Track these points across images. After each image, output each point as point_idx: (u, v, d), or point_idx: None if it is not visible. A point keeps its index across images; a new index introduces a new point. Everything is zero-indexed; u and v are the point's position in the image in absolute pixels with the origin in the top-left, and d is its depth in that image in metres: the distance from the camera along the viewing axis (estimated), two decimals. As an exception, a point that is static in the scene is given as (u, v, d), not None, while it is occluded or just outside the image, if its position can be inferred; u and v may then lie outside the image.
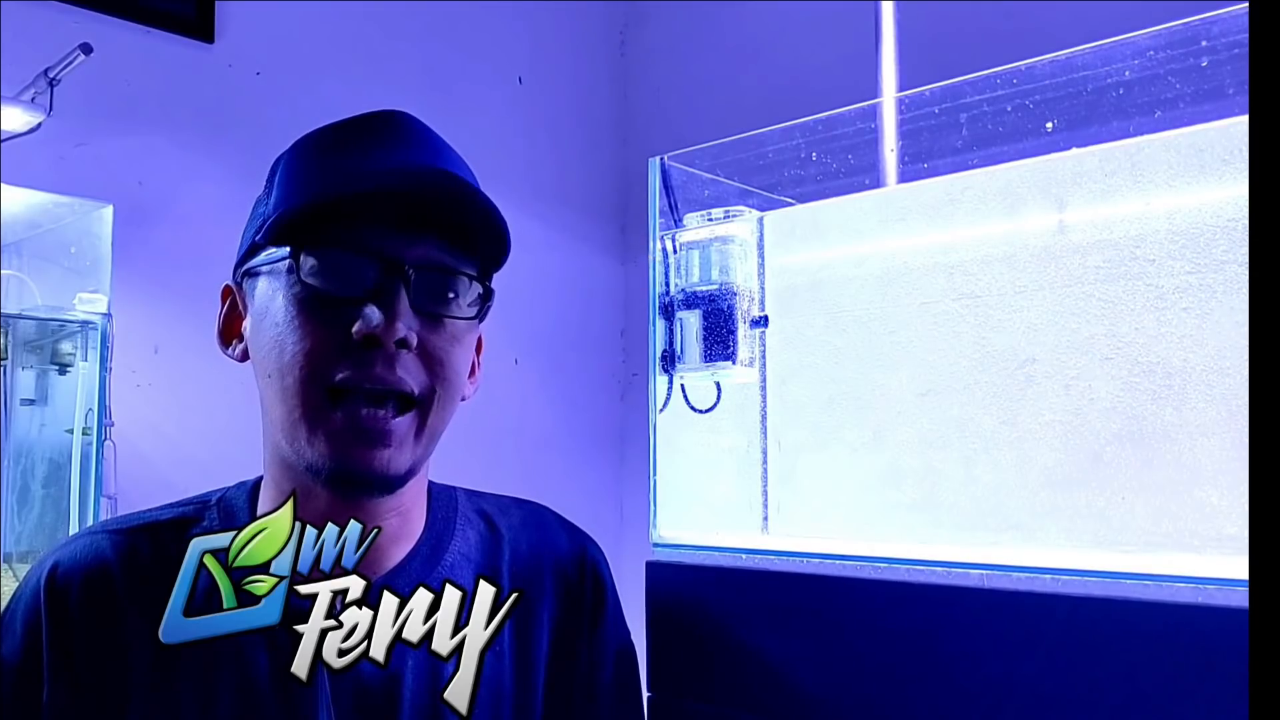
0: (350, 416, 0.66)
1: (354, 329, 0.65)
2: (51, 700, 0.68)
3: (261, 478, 0.76)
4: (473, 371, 0.78)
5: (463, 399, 0.75)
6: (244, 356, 0.73)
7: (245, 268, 0.72)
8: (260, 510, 0.74)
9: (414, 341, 0.67)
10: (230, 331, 0.74)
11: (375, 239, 0.67)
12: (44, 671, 0.68)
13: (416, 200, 0.68)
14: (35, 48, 1.55)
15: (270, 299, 0.69)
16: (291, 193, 0.68)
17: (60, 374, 1.56)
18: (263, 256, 0.70)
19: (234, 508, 0.75)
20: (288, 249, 0.67)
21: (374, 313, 0.65)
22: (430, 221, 0.69)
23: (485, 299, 0.73)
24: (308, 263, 0.67)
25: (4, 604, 0.73)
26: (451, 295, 0.70)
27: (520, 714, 0.76)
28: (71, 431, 1.50)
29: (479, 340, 0.79)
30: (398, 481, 0.69)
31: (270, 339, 0.68)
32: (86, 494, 1.47)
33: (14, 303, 1.48)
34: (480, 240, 0.71)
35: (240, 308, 0.73)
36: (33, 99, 1.46)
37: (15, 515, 1.52)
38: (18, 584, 0.72)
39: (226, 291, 0.75)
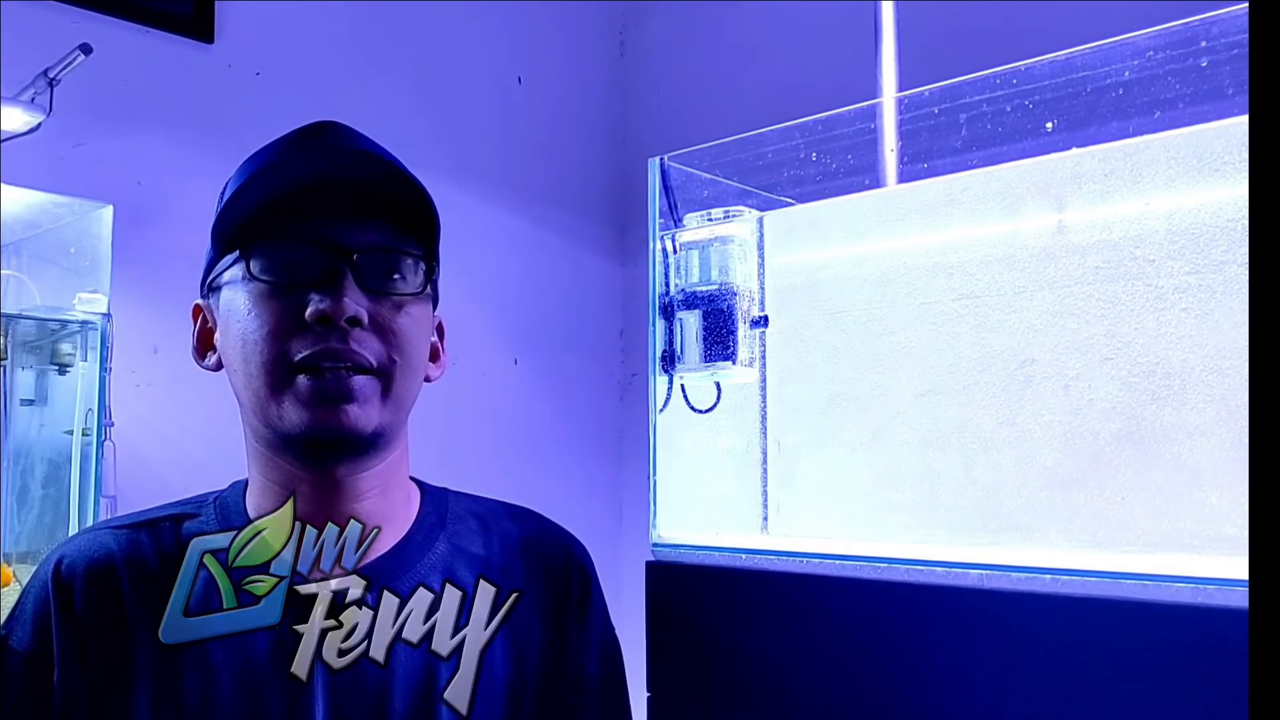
0: (314, 383, 0.70)
1: (307, 312, 0.70)
2: (62, 685, 0.71)
3: None
4: (436, 355, 0.82)
5: (428, 380, 0.79)
6: (218, 366, 0.77)
7: (209, 283, 0.77)
8: (250, 507, 0.77)
9: (364, 318, 0.71)
10: (204, 346, 0.79)
11: (318, 229, 0.72)
12: (54, 658, 0.71)
13: (350, 186, 0.73)
14: (35, 48, 1.55)
15: (232, 303, 0.73)
16: (234, 201, 0.72)
17: (60, 374, 1.56)
18: (220, 268, 0.75)
19: (229, 506, 0.78)
20: (237, 254, 0.72)
21: (323, 296, 0.70)
22: (367, 206, 0.73)
23: (429, 275, 0.77)
24: (257, 262, 0.72)
25: (4, 605, 0.75)
26: (397, 275, 0.74)
27: (512, 706, 0.77)
28: (71, 432, 1.50)
29: (440, 326, 0.83)
30: (368, 440, 0.72)
31: (235, 335, 0.73)
32: (86, 494, 1.47)
33: (14, 303, 1.48)
34: (416, 217, 0.75)
35: (210, 322, 0.77)
36: (32, 99, 1.46)
37: (15, 515, 1.52)
38: (26, 581, 0.75)
39: (196, 310, 0.79)
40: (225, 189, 0.77)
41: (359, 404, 0.71)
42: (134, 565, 0.74)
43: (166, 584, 0.73)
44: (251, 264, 0.71)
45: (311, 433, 0.70)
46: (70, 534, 1.45)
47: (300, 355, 0.70)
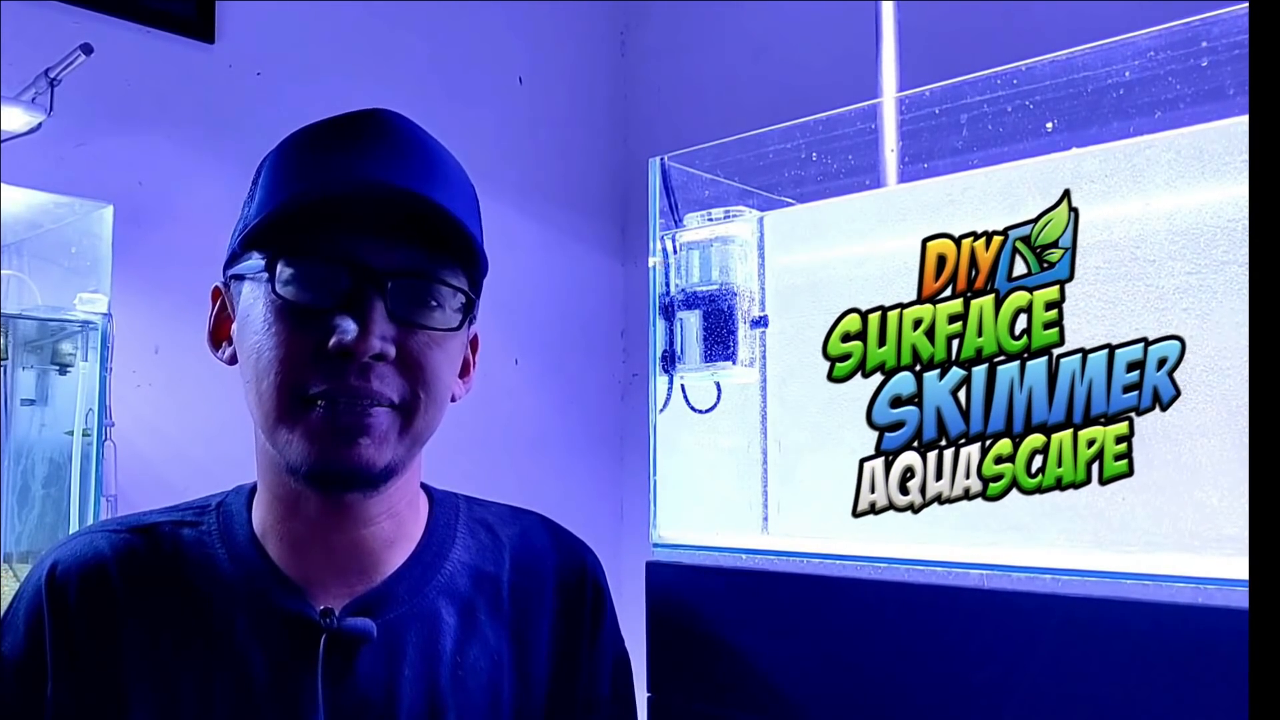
0: (328, 414, 0.66)
1: (329, 342, 0.64)
2: (55, 695, 0.68)
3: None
4: (467, 371, 0.77)
5: (453, 399, 0.74)
6: (233, 360, 0.72)
7: (231, 271, 0.72)
8: (255, 520, 0.74)
9: (391, 354, 0.66)
10: (220, 333, 0.74)
11: (351, 246, 0.66)
12: (47, 667, 0.68)
13: (394, 206, 0.66)
14: (35, 48, 1.55)
15: (251, 305, 0.68)
16: (269, 198, 0.67)
17: (60, 374, 1.56)
18: (245, 262, 0.70)
19: (232, 516, 0.75)
20: (263, 258, 0.67)
21: (348, 325, 0.64)
22: (409, 228, 0.67)
23: (469, 308, 0.71)
24: (283, 272, 0.66)
25: (4, 604, 0.73)
26: (434, 304, 0.69)
27: None
28: (72, 432, 1.50)
29: (474, 339, 0.78)
30: (380, 476, 0.68)
31: (250, 346, 0.68)
32: (86, 494, 1.47)
33: (14, 303, 1.48)
34: (460, 242, 0.69)
35: (229, 310, 0.73)
36: (33, 99, 1.46)
37: (15, 515, 1.52)
38: (20, 583, 0.73)
39: (216, 293, 0.74)
40: (261, 173, 0.72)
41: (374, 441, 0.66)
42: (129, 573, 0.71)
43: (162, 592, 0.70)
44: (277, 274, 0.66)
45: (320, 467, 0.66)
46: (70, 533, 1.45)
47: (316, 389, 0.65)
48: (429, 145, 0.72)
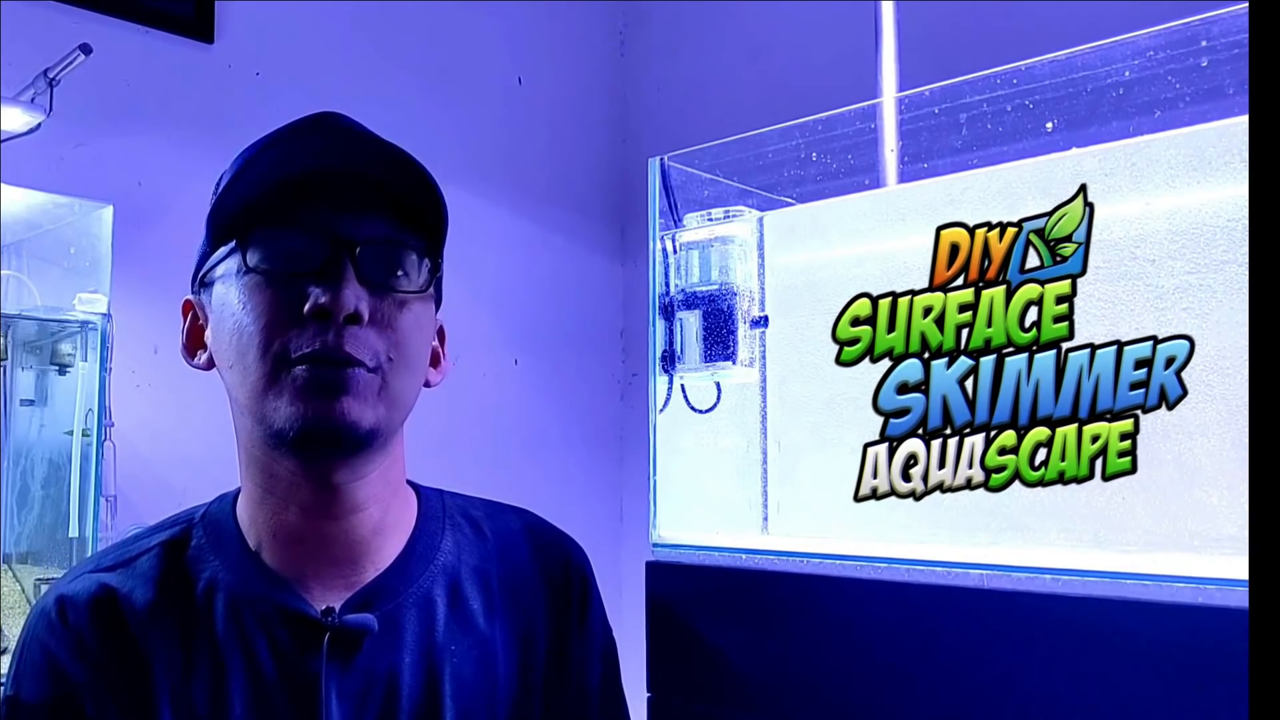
0: (311, 375, 0.67)
1: (305, 306, 0.67)
2: None
3: (240, 489, 0.77)
4: (437, 360, 0.79)
5: (427, 385, 0.76)
6: (209, 365, 0.74)
7: (200, 278, 0.74)
8: (243, 520, 0.75)
9: (365, 313, 0.68)
10: (194, 343, 0.76)
11: (319, 218, 0.69)
12: (78, 703, 0.68)
13: (355, 176, 0.70)
14: (35, 48, 1.55)
15: (226, 297, 0.71)
16: (231, 188, 0.70)
17: (60, 374, 1.56)
18: (213, 261, 0.72)
19: (220, 524, 0.76)
20: (233, 244, 0.70)
21: (322, 289, 0.67)
22: (373, 198, 0.71)
23: (434, 273, 0.74)
24: (255, 252, 0.69)
25: (3, 605, 0.73)
26: (400, 271, 0.72)
27: (517, 716, 0.76)
28: (71, 432, 1.50)
29: (441, 330, 0.80)
30: (365, 437, 0.69)
31: (229, 329, 0.70)
32: (86, 494, 1.47)
33: (14, 303, 1.48)
34: (424, 212, 0.72)
35: (201, 319, 0.75)
36: (33, 99, 1.46)
37: (15, 516, 1.52)
38: (25, 616, 0.73)
39: (187, 306, 0.77)
40: (221, 179, 0.75)
41: (356, 398, 0.68)
42: (135, 603, 0.71)
43: (168, 615, 0.71)
44: (248, 254, 0.69)
45: (307, 427, 0.67)
46: (70, 534, 1.45)
47: (297, 353, 0.67)
48: (375, 134, 0.75)
